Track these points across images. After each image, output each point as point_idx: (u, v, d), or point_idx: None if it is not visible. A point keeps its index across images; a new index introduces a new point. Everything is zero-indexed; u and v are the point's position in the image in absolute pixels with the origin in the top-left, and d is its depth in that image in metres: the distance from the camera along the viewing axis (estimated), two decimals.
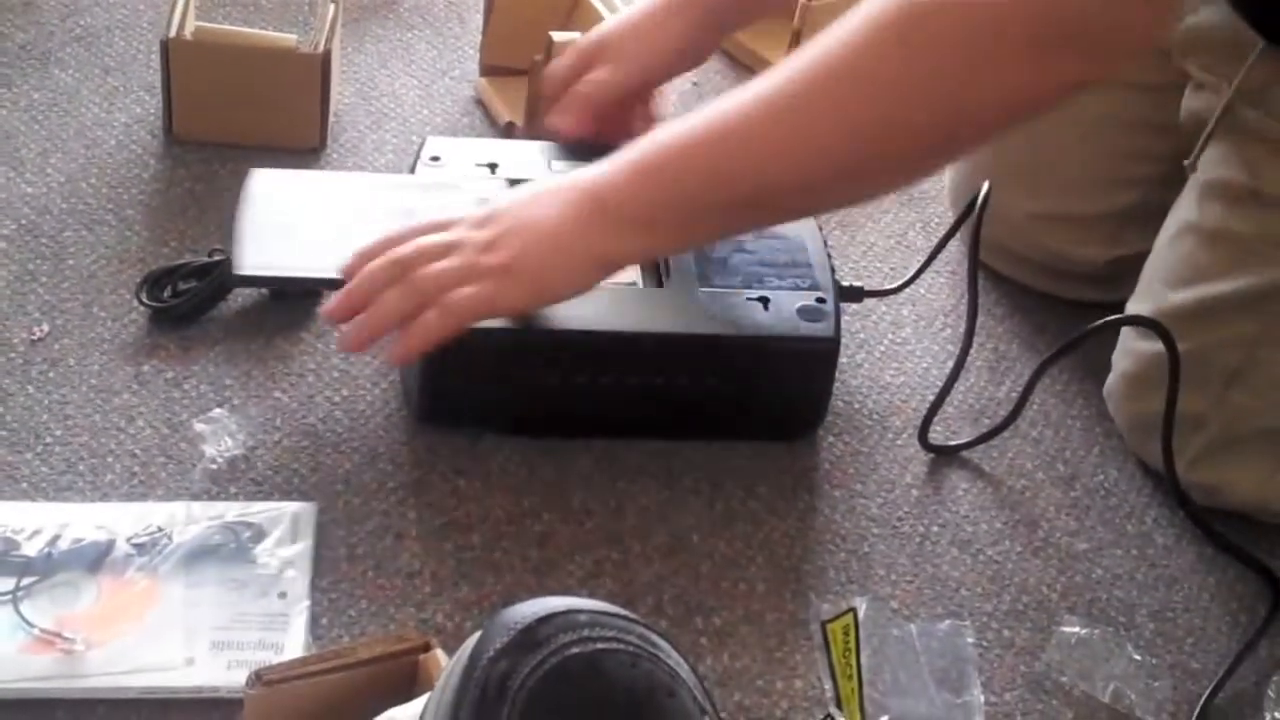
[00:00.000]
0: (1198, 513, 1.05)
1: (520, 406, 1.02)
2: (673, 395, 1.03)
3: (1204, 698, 0.94)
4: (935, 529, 1.03)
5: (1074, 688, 0.94)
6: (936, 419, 1.10)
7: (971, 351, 1.17)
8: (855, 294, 1.14)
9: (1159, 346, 1.03)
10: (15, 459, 0.97)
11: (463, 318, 0.93)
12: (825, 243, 1.11)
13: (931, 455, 1.08)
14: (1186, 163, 1.04)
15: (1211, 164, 1.05)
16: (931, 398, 1.11)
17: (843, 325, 1.04)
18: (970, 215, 1.09)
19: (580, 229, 0.92)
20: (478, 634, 0.66)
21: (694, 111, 0.92)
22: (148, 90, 1.28)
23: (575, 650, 0.64)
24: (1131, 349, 1.09)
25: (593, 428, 1.04)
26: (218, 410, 1.01)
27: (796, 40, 1.29)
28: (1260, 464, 1.04)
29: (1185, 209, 1.07)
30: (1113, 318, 1.08)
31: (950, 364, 1.13)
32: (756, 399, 1.04)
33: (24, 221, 1.14)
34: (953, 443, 1.09)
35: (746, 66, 1.41)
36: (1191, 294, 1.04)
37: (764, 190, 0.90)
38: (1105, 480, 1.09)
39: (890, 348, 1.17)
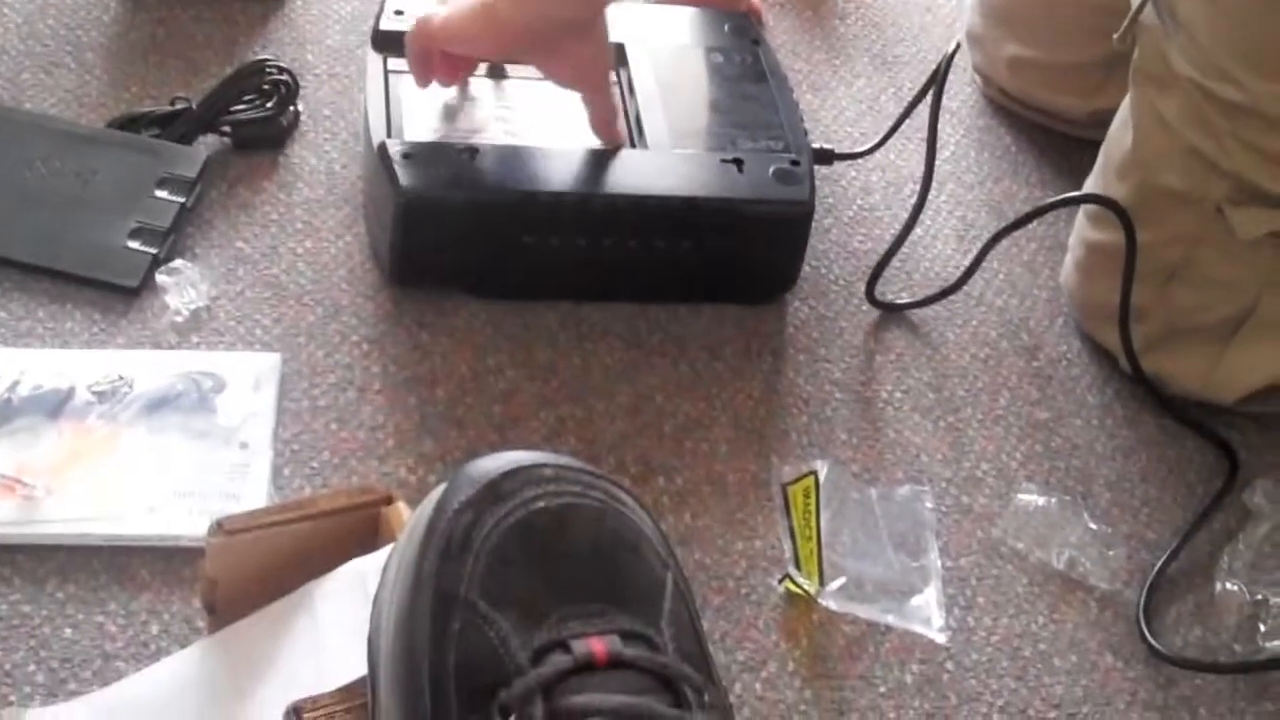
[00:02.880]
0: (1156, 392, 1.06)
1: (492, 269, 1.01)
2: (646, 258, 1.02)
3: (1157, 566, 0.95)
4: (898, 395, 1.03)
5: (1029, 554, 0.95)
6: (900, 285, 1.10)
7: (940, 219, 1.17)
8: (826, 157, 1.13)
9: (1109, 236, 1.03)
10: None
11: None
12: (798, 105, 1.10)
13: (897, 320, 1.08)
14: (1115, 37, 1.02)
15: (1142, 44, 1.03)
16: (898, 265, 1.11)
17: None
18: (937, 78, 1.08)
19: None
20: (442, 486, 0.66)
21: None
22: None
23: (541, 504, 0.64)
24: (1084, 237, 1.09)
25: (565, 290, 1.03)
26: (179, 261, 0.99)
27: None
28: (1200, 358, 1.04)
29: (1129, 93, 1.06)
30: (1067, 196, 1.09)
31: (919, 231, 1.13)
32: (729, 262, 1.04)
33: None
34: (900, 301, 1.09)
35: None
36: (1131, 185, 1.04)
37: None
38: (1068, 351, 1.10)
39: (859, 213, 1.16)
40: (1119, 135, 1.06)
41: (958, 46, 1.07)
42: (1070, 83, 1.22)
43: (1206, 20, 0.96)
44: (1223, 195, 0.99)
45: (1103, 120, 1.10)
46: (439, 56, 1.02)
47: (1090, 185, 1.09)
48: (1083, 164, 1.13)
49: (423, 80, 1.02)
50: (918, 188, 1.09)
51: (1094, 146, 1.10)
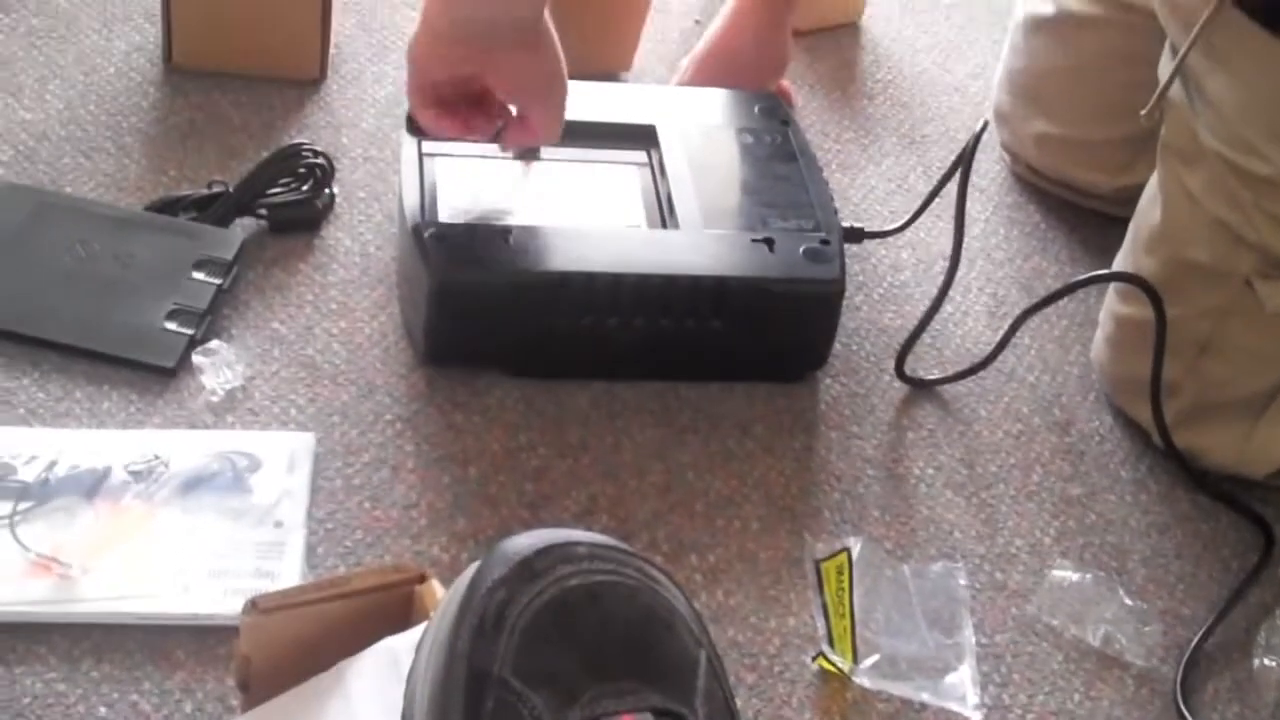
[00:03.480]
0: (1189, 467, 1.05)
1: (526, 348, 1.02)
2: (677, 337, 1.03)
3: (1194, 643, 0.94)
4: (930, 471, 1.03)
5: (1064, 631, 0.94)
6: (932, 362, 1.10)
7: (970, 297, 1.17)
8: (856, 235, 1.14)
9: (1139, 311, 1.04)
10: (13, 385, 0.96)
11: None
12: (828, 184, 1.11)
13: (930, 397, 1.08)
14: (1142, 114, 1.03)
15: (1169, 121, 1.04)
16: (930, 341, 1.11)
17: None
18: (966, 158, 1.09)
19: None
20: (476, 564, 0.66)
21: None
22: (147, 17, 1.27)
23: (574, 582, 0.64)
24: (1114, 312, 1.09)
25: (598, 369, 1.04)
26: (215, 341, 1.00)
27: None
28: (1233, 431, 1.04)
29: (1156, 169, 1.07)
30: (1095, 274, 1.10)
31: (949, 308, 1.14)
32: (761, 340, 1.04)
33: (22, 148, 1.13)
34: (931, 377, 1.09)
35: None
36: (1160, 260, 1.04)
37: None
38: (1100, 427, 1.10)
39: (889, 290, 1.17)
40: (1147, 211, 1.07)
41: (985, 125, 1.08)
42: (1098, 159, 1.23)
43: (1233, 96, 0.96)
44: (1250, 268, 0.99)
45: (1130, 197, 1.11)
46: (432, 99, 1.00)
47: (1119, 261, 1.10)
48: (1111, 240, 1.14)
49: (434, 129, 1.02)
50: (947, 264, 1.09)
51: (1122, 222, 1.11)
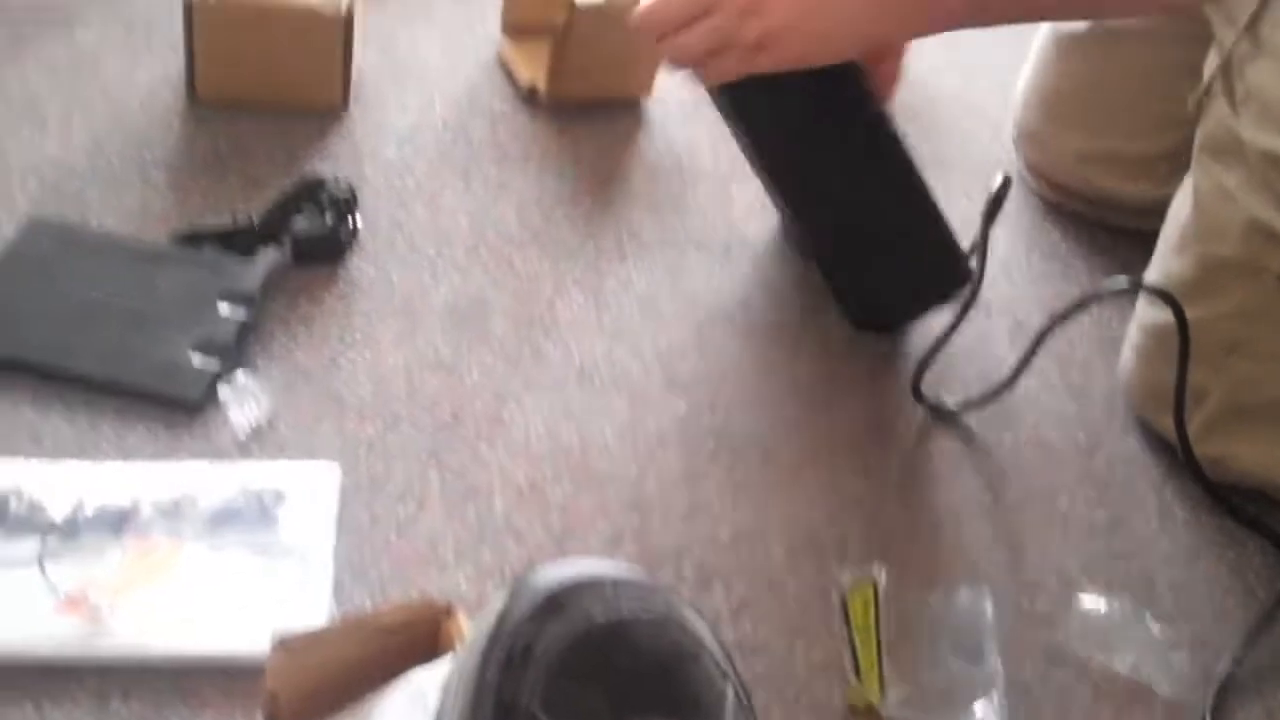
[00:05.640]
0: (1216, 486, 1.05)
1: None
2: None
3: (1223, 671, 0.94)
4: (956, 498, 1.03)
5: (1091, 659, 0.94)
6: (955, 387, 1.10)
7: (991, 321, 1.17)
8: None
9: (1166, 318, 1.03)
10: (40, 419, 0.97)
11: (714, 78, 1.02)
12: None
13: (955, 422, 1.08)
14: (1190, 101, 1.04)
15: (1207, 118, 1.04)
16: (950, 366, 1.11)
17: None
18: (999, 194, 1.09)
19: (849, 11, 0.96)
20: (502, 598, 0.67)
21: None
22: (171, 50, 1.27)
23: (601, 616, 0.64)
24: (1141, 321, 1.09)
25: None
26: (241, 374, 1.01)
27: None
28: (1260, 439, 1.04)
29: (1191, 169, 1.07)
30: (1114, 286, 1.08)
31: (971, 332, 1.13)
32: None
33: (48, 182, 1.14)
34: (951, 401, 1.09)
35: None
36: (1190, 260, 1.04)
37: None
38: (1125, 451, 1.09)
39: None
40: (1178, 212, 1.06)
41: (1008, 181, 1.08)
42: (1143, 171, 1.22)
43: (1274, 80, 0.97)
44: None
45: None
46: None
47: (1150, 271, 1.09)
48: (1134, 258, 1.14)
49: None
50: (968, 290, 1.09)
51: (1146, 240, 1.11)
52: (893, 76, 1.19)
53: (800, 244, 1.18)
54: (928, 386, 1.09)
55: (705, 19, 1.00)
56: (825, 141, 1.08)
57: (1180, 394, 1.03)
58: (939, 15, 1.01)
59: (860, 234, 1.11)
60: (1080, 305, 1.07)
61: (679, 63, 1.04)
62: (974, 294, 1.09)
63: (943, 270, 1.11)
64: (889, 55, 1.14)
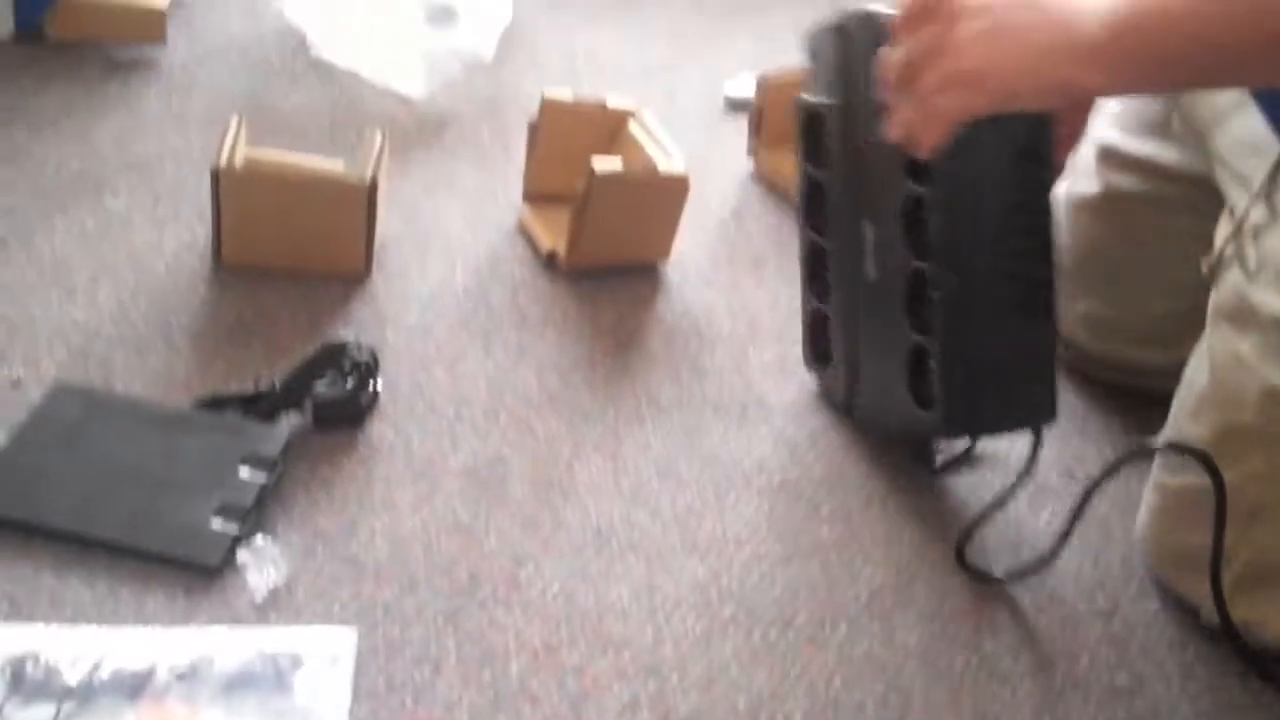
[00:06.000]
0: (1253, 652, 1.04)
1: None
2: None
3: None
4: (974, 660, 1.03)
5: None
6: (978, 548, 1.10)
7: (1008, 477, 1.17)
8: None
9: (1188, 480, 1.03)
10: (60, 583, 0.97)
11: (942, 125, 0.96)
12: None
13: (971, 584, 1.08)
14: (1204, 265, 1.05)
15: (1220, 285, 1.06)
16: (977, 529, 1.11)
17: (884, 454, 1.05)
18: None
19: (1053, 59, 0.93)
20: None
21: None
22: (198, 217, 1.30)
23: None
24: (1159, 483, 1.09)
25: None
26: (260, 538, 1.01)
27: None
28: None
29: (1206, 335, 1.08)
30: (1150, 447, 1.09)
31: (988, 495, 1.13)
32: None
33: (74, 348, 1.16)
34: (994, 573, 1.09)
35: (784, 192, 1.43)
36: (1207, 426, 1.04)
37: (1235, 59, 0.91)
38: (1145, 612, 1.09)
39: (928, 478, 1.17)
40: (1193, 378, 1.07)
41: (1039, 442, 1.10)
42: (1154, 335, 1.23)
43: None
44: None
45: (1182, 370, 1.11)
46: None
47: (1166, 432, 1.09)
48: (1149, 417, 1.14)
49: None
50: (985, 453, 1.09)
51: (1162, 399, 1.11)
52: (1075, 134, 1.16)
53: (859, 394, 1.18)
54: (942, 550, 1.09)
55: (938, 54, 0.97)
56: (1001, 209, 1.08)
57: (1216, 559, 1.02)
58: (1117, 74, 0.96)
59: (990, 318, 1.09)
60: (1114, 468, 1.07)
61: (902, 85, 0.98)
62: (1033, 458, 1.10)
63: (1043, 397, 1.11)
64: (1077, 110, 1.13)
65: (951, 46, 0.95)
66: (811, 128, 1.17)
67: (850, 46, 1.12)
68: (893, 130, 0.98)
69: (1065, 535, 1.09)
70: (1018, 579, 1.09)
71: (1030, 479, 1.11)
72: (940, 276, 1.07)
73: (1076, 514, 1.08)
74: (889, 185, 1.09)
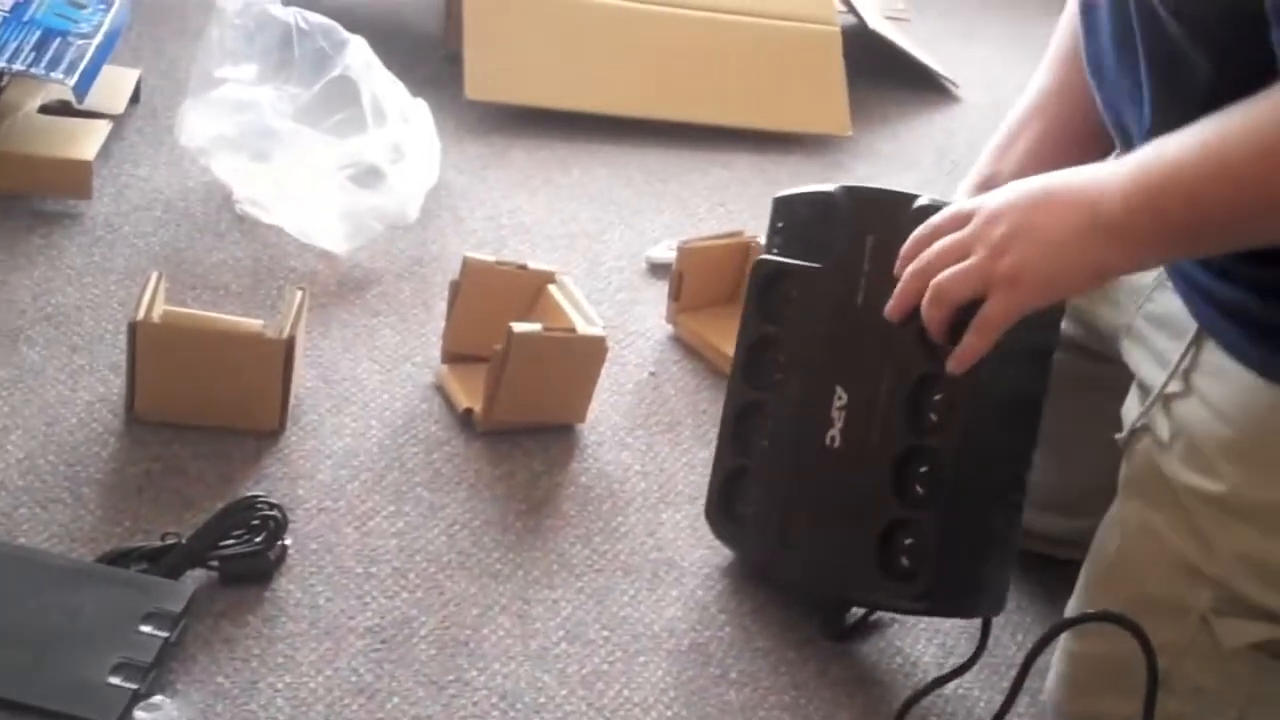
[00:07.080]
0: None
1: None
2: None
3: None
4: None
5: None
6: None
7: (917, 648, 1.17)
8: None
9: (1098, 648, 1.04)
10: None
11: (990, 333, 0.99)
12: None
13: None
14: (1119, 439, 1.07)
15: (1132, 456, 1.07)
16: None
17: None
18: None
19: (1080, 244, 0.96)
20: None
21: (1188, 133, 0.94)
22: (113, 369, 1.30)
23: None
24: (1070, 650, 1.09)
25: None
26: (159, 697, 1.00)
27: None
28: None
29: (1116, 504, 1.09)
30: (1081, 616, 1.07)
31: (895, 662, 1.13)
32: None
33: None
34: None
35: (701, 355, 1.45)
36: (1115, 596, 1.05)
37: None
38: None
39: (836, 644, 1.17)
40: (1102, 547, 1.08)
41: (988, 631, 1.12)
42: (1052, 501, 1.23)
43: (1202, 421, 1.00)
44: (1207, 605, 1.00)
45: (1081, 539, 1.12)
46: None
47: (1075, 599, 1.10)
48: (1053, 583, 1.15)
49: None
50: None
51: (1066, 566, 1.12)
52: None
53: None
54: (850, 711, 1.09)
55: (963, 258, 1.00)
56: (1010, 401, 1.10)
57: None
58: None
59: (983, 503, 1.10)
60: (1048, 639, 1.05)
61: (945, 306, 1.01)
62: (982, 647, 1.12)
63: (1003, 587, 1.12)
64: None
65: (984, 250, 0.98)
66: (771, 286, 1.19)
67: (837, 216, 1.14)
68: (895, 309, 1.03)
69: (1006, 708, 1.06)
70: None
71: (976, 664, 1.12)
72: (951, 459, 1.08)
73: (1016, 687, 1.06)
74: (886, 358, 1.10)
